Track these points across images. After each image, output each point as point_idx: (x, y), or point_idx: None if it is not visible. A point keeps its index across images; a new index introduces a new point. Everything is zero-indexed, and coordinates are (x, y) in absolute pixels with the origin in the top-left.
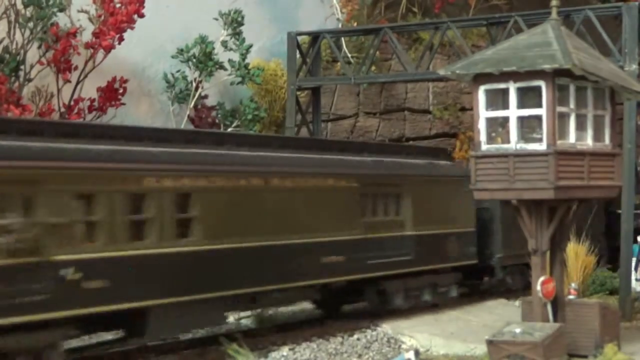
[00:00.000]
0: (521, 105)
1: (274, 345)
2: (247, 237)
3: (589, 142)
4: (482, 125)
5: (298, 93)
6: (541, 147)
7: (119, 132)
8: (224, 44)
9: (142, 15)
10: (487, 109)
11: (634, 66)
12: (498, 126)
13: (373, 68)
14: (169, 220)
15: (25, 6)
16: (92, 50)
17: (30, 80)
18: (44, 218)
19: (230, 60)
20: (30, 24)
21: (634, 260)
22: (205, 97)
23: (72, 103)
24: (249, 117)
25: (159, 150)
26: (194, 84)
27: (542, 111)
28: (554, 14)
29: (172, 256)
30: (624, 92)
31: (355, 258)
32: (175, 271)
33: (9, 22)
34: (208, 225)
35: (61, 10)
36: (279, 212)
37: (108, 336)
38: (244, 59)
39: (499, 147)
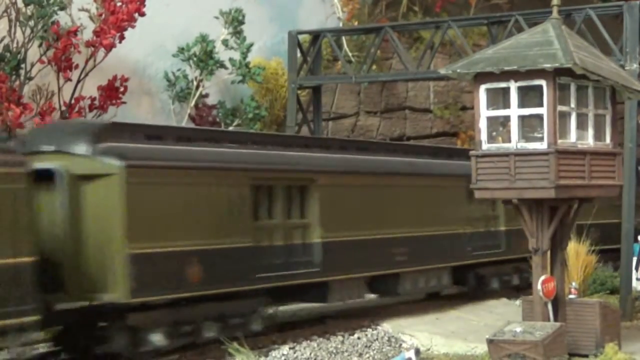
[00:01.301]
0: (522, 104)
1: (274, 344)
2: None
3: (589, 141)
4: (483, 125)
5: (299, 92)
6: (542, 146)
7: None
8: (225, 42)
9: (142, 14)
10: (488, 108)
11: (635, 65)
12: (499, 125)
13: (374, 67)
14: None
15: (26, 5)
16: (92, 49)
17: (30, 78)
18: None
19: (231, 59)
20: (31, 23)
21: (634, 259)
22: (206, 95)
23: (72, 102)
24: (250, 115)
25: None
26: (195, 83)
27: (543, 110)
28: (555, 13)
29: None
30: (625, 91)
31: None
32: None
33: (10, 21)
34: None
35: (62, 8)
36: None
37: None
38: (244, 58)
39: (499, 146)
